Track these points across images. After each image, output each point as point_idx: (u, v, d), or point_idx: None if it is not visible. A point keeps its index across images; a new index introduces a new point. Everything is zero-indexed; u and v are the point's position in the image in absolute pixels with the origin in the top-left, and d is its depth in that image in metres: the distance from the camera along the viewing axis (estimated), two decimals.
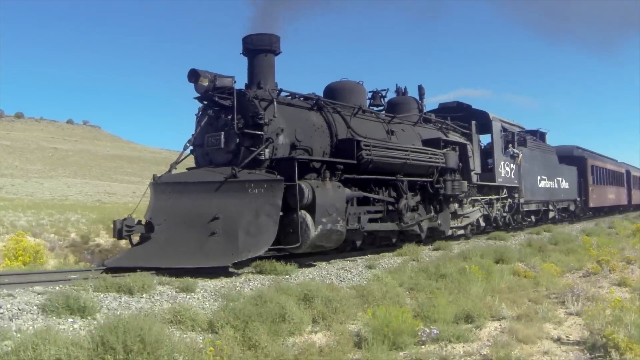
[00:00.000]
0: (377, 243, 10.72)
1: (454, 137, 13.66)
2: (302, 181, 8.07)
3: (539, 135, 20.66)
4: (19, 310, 4.58)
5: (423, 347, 4.32)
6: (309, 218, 7.92)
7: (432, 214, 11.46)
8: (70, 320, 4.41)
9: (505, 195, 15.66)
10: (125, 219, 8.10)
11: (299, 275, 7.45)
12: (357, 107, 10.40)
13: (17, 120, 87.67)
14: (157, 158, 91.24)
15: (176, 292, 5.91)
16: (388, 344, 4.09)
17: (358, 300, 5.64)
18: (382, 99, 12.45)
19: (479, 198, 14.24)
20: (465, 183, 12.62)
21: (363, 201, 9.67)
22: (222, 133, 8.79)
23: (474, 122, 14.67)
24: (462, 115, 14.93)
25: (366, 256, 9.95)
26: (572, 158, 23.16)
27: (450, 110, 15.35)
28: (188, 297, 5.77)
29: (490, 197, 14.87)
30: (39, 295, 5.17)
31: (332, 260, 9.13)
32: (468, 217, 13.75)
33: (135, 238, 8.12)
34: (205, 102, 9.19)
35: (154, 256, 7.47)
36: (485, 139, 15.72)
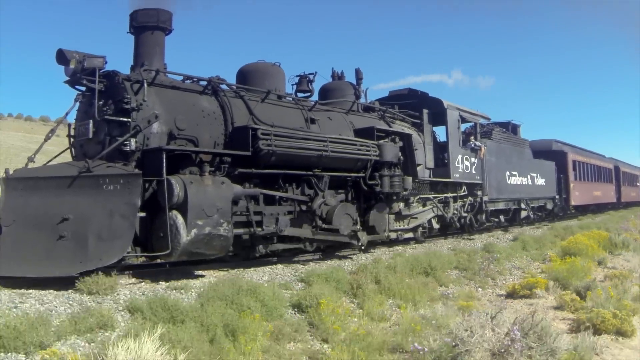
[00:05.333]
0: (294, 250, 9.64)
1: (400, 127, 12.65)
2: (173, 176, 7.05)
3: (511, 128, 19.74)
4: None
5: None
6: (180, 220, 6.90)
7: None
8: None
9: (464, 193, 14.66)
10: None
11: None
12: (266, 91, 9.35)
13: None
14: None
15: None
16: None
17: None
18: (309, 84, 11.43)
19: (430, 196, 13.23)
20: (410, 179, 11.63)
21: (271, 200, 8.68)
22: (91, 121, 7.82)
23: (425, 111, 13.66)
24: (414, 104, 13.93)
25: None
26: (550, 152, 22.27)
27: (401, 98, 14.36)
28: None
29: (445, 195, 13.88)
30: None
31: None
32: (416, 218, 12.74)
33: None
34: (76, 87, 8.25)
35: None
36: (441, 131, 14.74)
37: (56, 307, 5.22)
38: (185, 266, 8.20)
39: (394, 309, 6.61)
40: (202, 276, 7.61)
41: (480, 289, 8.38)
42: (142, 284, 6.85)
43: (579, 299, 7.16)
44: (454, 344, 4.39)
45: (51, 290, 5.90)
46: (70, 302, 5.42)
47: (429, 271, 8.39)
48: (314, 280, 6.82)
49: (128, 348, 3.74)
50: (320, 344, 5.18)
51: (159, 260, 7.70)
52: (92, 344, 4.25)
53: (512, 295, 7.89)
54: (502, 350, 4.16)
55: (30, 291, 5.85)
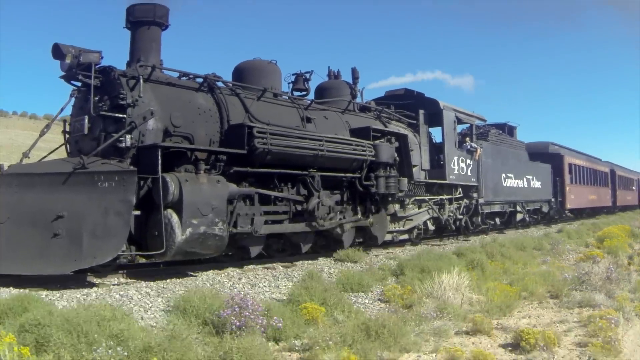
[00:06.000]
0: (288, 250, 9.69)
1: (396, 127, 12.70)
2: (168, 174, 7.06)
3: (507, 130, 19.87)
4: None
5: None
6: (175, 219, 6.91)
7: (359, 215, 10.45)
8: None
9: (460, 195, 14.73)
10: None
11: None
12: (262, 89, 9.38)
13: None
14: None
15: None
16: None
17: None
18: (305, 83, 11.46)
19: (426, 198, 13.29)
20: (405, 180, 11.66)
21: (265, 199, 8.69)
22: (86, 117, 7.82)
23: (421, 112, 13.70)
24: (411, 104, 13.98)
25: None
26: (546, 155, 22.40)
27: (398, 98, 14.41)
28: None
29: (441, 197, 13.94)
30: None
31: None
32: (412, 219, 12.79)
33: None
34: (72, 82, 8.25)
35: None
36: (437, 132, 14.80)
37: (341, 270, 8.22)
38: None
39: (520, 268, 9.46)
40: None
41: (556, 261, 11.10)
42: (379, 255, 10.67)
43: (628, 262, 10.52)
44: (579, 276, 7.95)
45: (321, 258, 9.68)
46: (351, 267, 8.67)
47: (522, 248, 11.86)
48: (465, 252, 9.81)
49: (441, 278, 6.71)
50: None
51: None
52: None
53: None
54: (606, 277, 7.72)
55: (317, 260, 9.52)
